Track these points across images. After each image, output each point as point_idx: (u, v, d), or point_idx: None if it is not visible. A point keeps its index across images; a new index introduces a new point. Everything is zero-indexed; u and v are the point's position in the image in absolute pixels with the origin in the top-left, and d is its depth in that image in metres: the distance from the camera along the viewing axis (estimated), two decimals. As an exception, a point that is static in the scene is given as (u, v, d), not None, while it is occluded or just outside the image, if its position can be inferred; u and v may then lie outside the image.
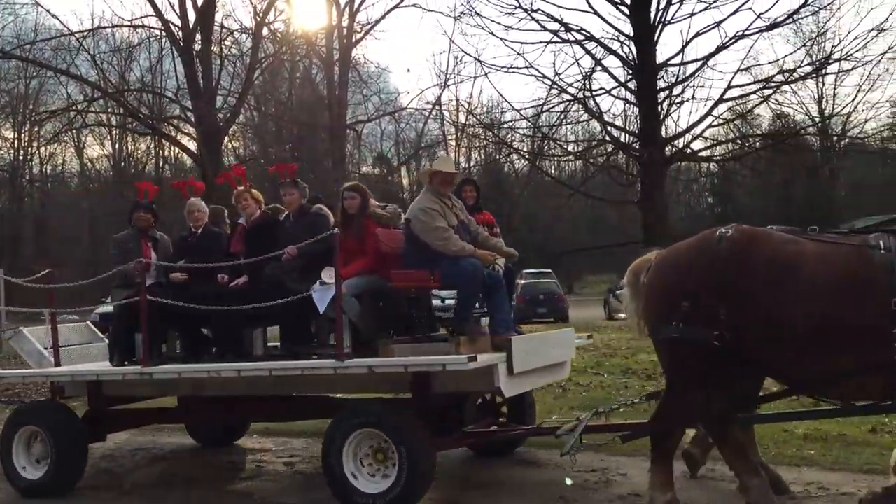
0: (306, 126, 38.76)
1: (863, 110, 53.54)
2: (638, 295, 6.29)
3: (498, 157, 49.08)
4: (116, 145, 54.05)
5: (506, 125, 27.86)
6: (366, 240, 7.62)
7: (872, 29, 21.62)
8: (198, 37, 25.51)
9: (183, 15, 25.38)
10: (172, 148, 44.07)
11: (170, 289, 8.17)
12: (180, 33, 25.87)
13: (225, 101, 28.51)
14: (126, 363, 8.24)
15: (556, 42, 21.96)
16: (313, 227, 7.96)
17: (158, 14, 25.43)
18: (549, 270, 35.45)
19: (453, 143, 50.00)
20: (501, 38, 22.07)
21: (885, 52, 23.09)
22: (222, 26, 28.48)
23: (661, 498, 6.09)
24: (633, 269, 6.40)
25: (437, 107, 37.92)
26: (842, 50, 21.98)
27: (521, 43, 22.16)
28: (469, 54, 24.26)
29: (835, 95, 57.60)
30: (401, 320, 7.95)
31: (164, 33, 27.42)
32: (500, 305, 7.37)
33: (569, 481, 7.26)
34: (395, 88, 65.78)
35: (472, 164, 60.48)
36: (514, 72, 22.47)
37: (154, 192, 9.09)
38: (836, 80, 48.36)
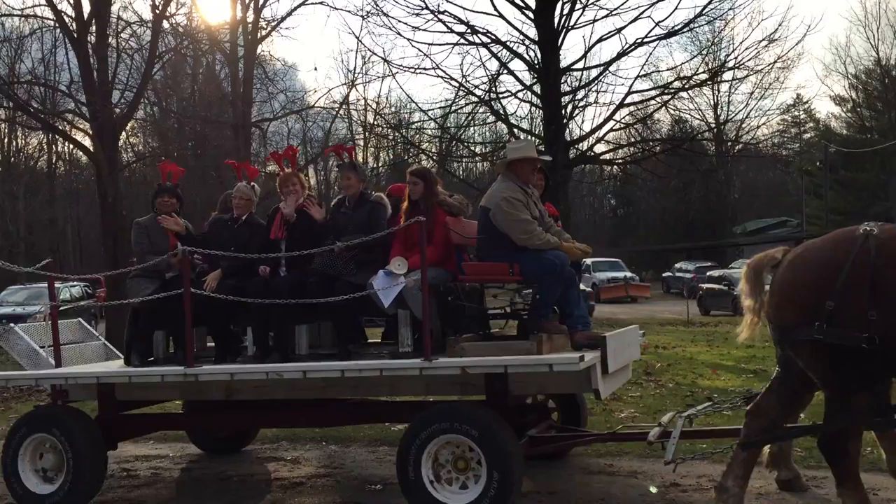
0: (210, 123, 37.58)
1: (755, 117, 56.00)
2: (759, 292, 5.92)
3: (406, 157, 48.74)
4: (6, 140, 51.23)
5: (414, 126, 27.69)
6: (433, 228, 7.03)
7: (763, 39, 22.27)
8: (93, 28, 24.18)
9: (77, 5, 23.97)
10: (67, 144, 42.09)
11: (200, 282, 7.39)
12: (74, 24, 24.49)
13: (122, 96, 27.19)
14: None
15: (462, 44, 21.88)
16: (373, 216, 7.40)
17: (50, 3, 23.98)
18: None
19: (361, 142, 49.48)
20: (408, 39, 21.92)
21: (775, 62, 24.12)
22: (119, 18, 27.11)
23: None
24: (755, 265, 6.02)
25: (344, 106, 37.33)
26: (736, 59, 22.65)
27: (429, 44, 21.82)
28: (376, 54, 24.10)
29: (729, 102, 59.77)
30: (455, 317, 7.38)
31: (56, 24, 25.98)
32: (576, 301, 6.92)
33: (653, 489, 6.86)
34: (303, 86, 64.56)
35: (379, 164, 59.99)
36: (421, 73, 22.28)
37: (178, 174, 8.25)
38: (730, 88, 50.56)
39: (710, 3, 20.86)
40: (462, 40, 21.73)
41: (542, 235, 6.67)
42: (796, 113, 63.92)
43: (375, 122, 29.84)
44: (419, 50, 22.34)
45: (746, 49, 22.27)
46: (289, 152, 7.98)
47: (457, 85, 22.69)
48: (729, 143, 50.51)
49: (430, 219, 7.02)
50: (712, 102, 60.03)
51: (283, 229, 7.45)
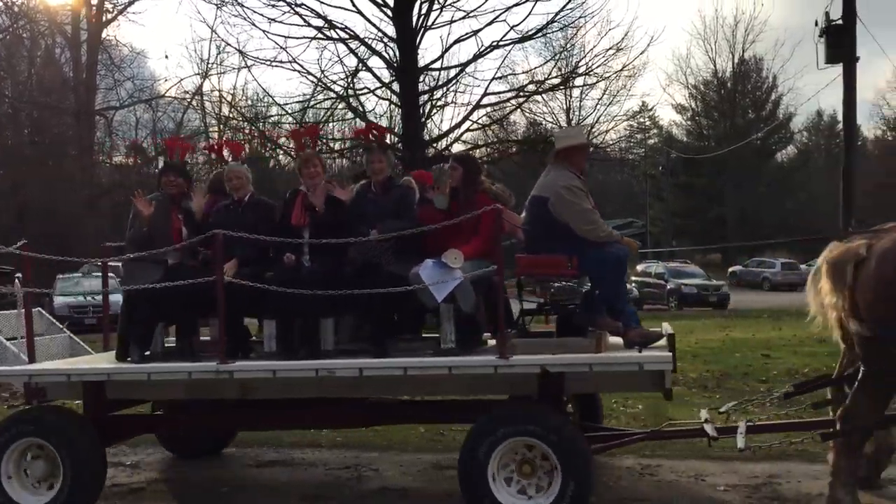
0: (49, 109, 35.55)
1: (604, 122, 57.50)
2: (843, 288, 5.85)
3: (264, 152, 47.36)
4: None
5: (271, 119, 27.07)
6: (479, 217, 6.60)
7: (611, 48, 22.99)
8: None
9: None
10: None
11: (206, 271, 6.69)
12: None
13: (-51, 78, 25.29)
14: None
15: (320, 38, 21.47)
16: (403, 202, 6.92)
17: None
18: None
19: (215, 135, 47.88)
20: (264, 31, 21.08)
21: (621, 70, 24.99)
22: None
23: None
24: (836, 261, 5.95)
25: (197, 97, 36.01)
26: (587, 65, 23.25)
27: (285, 37, 21.26)
28: (231, 45, 23.31)
29: (580, 107, 61.20)
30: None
31: None
32: (626, 298, 6.71)
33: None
34: (152, 74, 61.77)
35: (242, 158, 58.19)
36: (277, 66, 21.66)
37: (186, 151, 7.46)
38: (581, 93, 51.82)
39: (561, 10, 21.38)
40: (320, 35, 21.35)
41: (605, 227, 6.43)
42: (642, 119, 66.04)
43: (230, 115, 28.65)
44: (275, 42, 21.68)
45: (596, 56, 22.88)
46: (311, 131, 7.37)
47: (315, 80, 22.28)
48: None
49: (474, 207, 6.65)
50: (565, 106, 61.26)
51: (307, 215, 6.86)
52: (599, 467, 7.13)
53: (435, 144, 24.17)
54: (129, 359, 6.84)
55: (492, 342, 6.72)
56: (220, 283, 6.21)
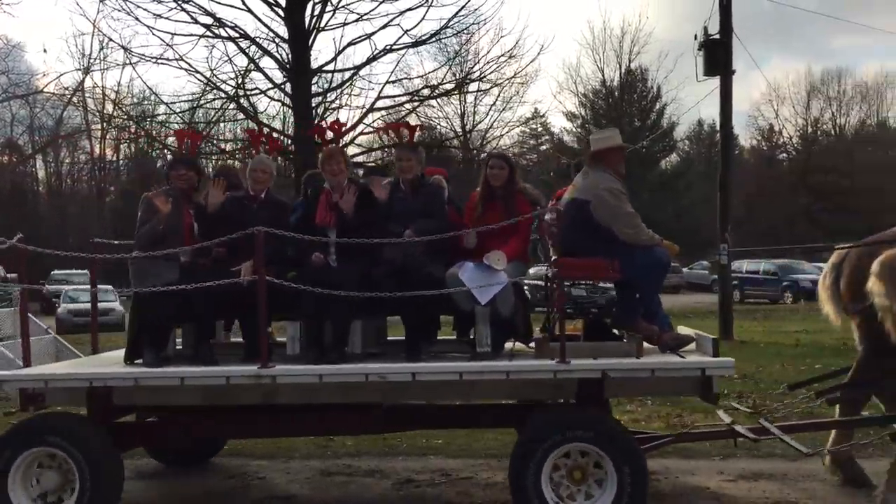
0: None
1: (498, 127, 58.42)
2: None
3: (150, 152, 45.92)
4: None
5: (158, 118, 26.31)
6: (519, 220, 6.51)
7: (503, 55, 23.68)
8: None
9: None
10: None
11: (221, 272, 6.32)
12: None
13: None
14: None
15: (208, 37, 21.26)
16: (435, 201, 6.76)
17: None
18: None
19: (98, 134, 46.06)
20: (149, 27, 20.68)
21: (514, 77, 25.69)
22: None
23: None
24: (890, 262, 6.04)
25: (78, 93, 34.62)
26: (480, 71, 23.78)
27: (171, 34, 20.81)
28: (114, 41, 22.45)
29: (475, 112, 61.70)
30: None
31: None
32: (659, 301, 6.71)
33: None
34: (30, 69, 59.06)
35: (120, 158, 56.13)
36: (163, 63, 21.25)
37: (197, 142, 7.07)
38: (476, 99, 52.39)
39: (455, 16, 21.64)
40: (208, 33, 21.08)
41: (647, 230, 6.40)
42: (534, 126, 67.11)
43: (114, 114, 27.64)
44: (161, 39, 21.21)
45: (489, 63, 23.38)
46: (335, 126, 7.08)
47: (204, 79, 21.92)
48: (475, 151, 52.23)
49: (513, 207, 6.55)
50: (460, 111, 61.64)
51: (333, 214, 6.59)
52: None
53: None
54: (137, 362, 6.47)
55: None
56: (262, 284, 5.90)
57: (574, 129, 66.76)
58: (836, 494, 6.64)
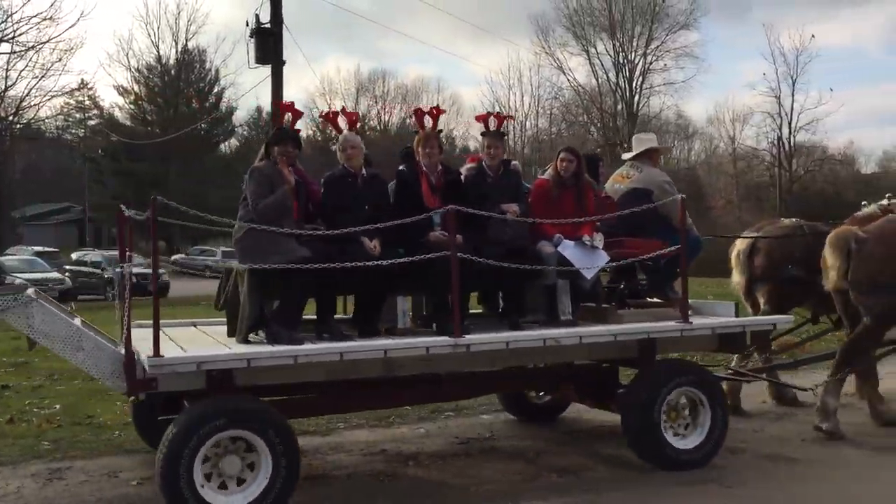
0: None
1: (37, 96, 53.85)
2: (844, 260, 7.80)
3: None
4: None
5: None
6: (588, 205, 7.46)
7: (36, 16, 23.35)
8: None
9: None
10: None
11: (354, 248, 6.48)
12: None
13: None
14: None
15: None
16: (520, 184, 7.46)
17: None
18: None
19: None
20: None
21: (48, 42, 24.01)
22: None
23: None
24: (839, 239, 7.86)
25: None
26: (14, 31, 23.31)
27: None
28: None
29: (6, 77, 56.27)
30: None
31: None
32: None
33: None
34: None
35: None
36: None
37: (298, 118, 6.80)
38: (8, 62, 47.82)
39: None
40: None
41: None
42: (81, 98, 63.11)
43: None
44: None
45: (20, 22, 22.61)
46: (434, 111, 7.28)
47: None
48: (8, 121, 47.89)
49: (584, 195, 7.49)
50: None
51: (436, 196, 6.98)
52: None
53: None
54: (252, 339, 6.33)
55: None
56: (454, 260, 6.22)
57: (127, 105, 64.20)
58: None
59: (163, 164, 60.32)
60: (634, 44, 57.82)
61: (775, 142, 59.33)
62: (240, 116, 68.33)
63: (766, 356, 9.18)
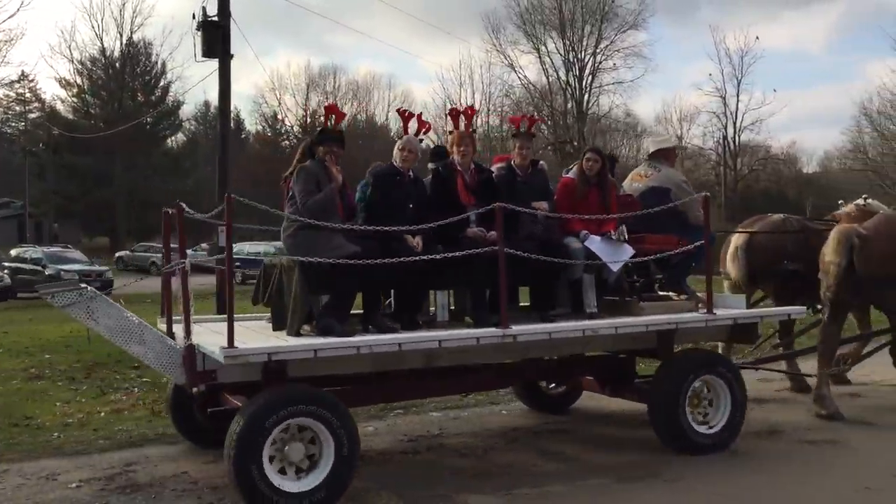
0: None
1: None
2: (845, 254, 8.26)
3: None
4: None
5: None
6: (612, 203, 7.79)
7: None
8: None
9: None
10: None
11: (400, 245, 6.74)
12: None
13: None
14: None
15: None
16: (547, 185, 7.76)
17: None
18: None
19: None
20: None
21: None
22: None
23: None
24: (842, 235, 8.36)
25: None
26: None
27: None
28: None
29: None
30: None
31: None
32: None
33: None
34: None
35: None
36: None
37: (341, 119, 7.00)
38: None
39: None
40: None
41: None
42: (21, 90, 61.92)
43: None
44: None
45: None
46: (468, 111, 7.54)
47: None
48: None
49: (608, 192, 7.83)
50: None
51: (471, 194, 7.26)
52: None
53: None
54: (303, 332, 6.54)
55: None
56: (501, 255, 6.50)
57: (69, 98, 63.02)
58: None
59: (107, 159, 59.27)
60: (584, 43, 58.50)
61: (721, 141, 60.82)
62: (187, 111, 67.63)
63: (782, 346, 9.72)
